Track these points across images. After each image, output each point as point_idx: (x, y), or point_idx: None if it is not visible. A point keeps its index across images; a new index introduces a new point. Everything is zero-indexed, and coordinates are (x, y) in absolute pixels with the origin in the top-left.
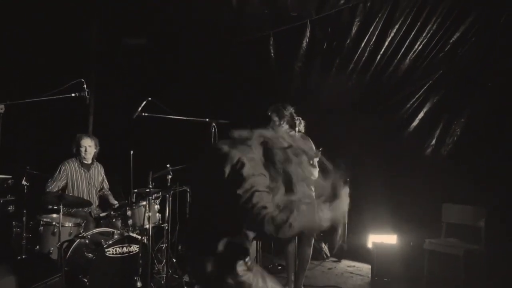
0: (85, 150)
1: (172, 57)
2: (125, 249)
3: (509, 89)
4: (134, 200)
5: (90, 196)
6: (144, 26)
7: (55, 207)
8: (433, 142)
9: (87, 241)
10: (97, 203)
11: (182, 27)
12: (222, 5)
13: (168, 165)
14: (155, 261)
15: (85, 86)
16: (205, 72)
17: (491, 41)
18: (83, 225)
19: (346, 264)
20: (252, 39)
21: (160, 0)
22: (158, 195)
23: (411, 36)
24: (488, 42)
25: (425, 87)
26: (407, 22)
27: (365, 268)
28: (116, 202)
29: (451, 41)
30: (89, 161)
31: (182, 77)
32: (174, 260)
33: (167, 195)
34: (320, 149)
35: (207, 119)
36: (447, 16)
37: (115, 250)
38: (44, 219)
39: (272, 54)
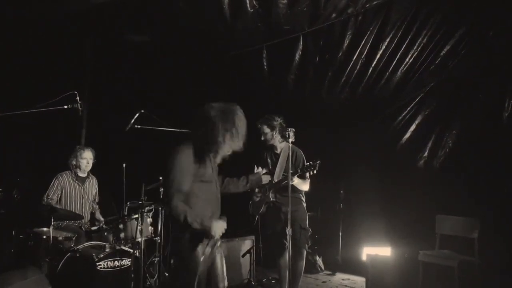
0: (87, 163)
1: (165, 69)
2: (116, 263)
3: (500, 101)
4: (126, 213)
5: (83, 210)
6: (139, 39)
7: (45, 220)
8: (425, 154)
9: (78, 255)
10: (89, 217)
11: (176, 40)
12: (215, 18)
13: (161, 178)
14: (147, 275)
15: (78, 98)
16: (198, 84)
17: (481, 54)
18: (74, 238)
19: (340, 277)
20: (245, 52)
21: (154, 13)
22: (151, 208)
23: (402, 49)
24: (478, 55)
25: (416, 100)
26: (398, 36)
27: (360, 281)
28: (102, 218)
29: (442, 54)
30: (85, 174)
31: (175, 89)
32: (167, 274)
33: (160, 208)
34: (318, 161)
35: None
36: (437, 30)
37: (107, 264)
38: (34, 233)
39: (265, 67)
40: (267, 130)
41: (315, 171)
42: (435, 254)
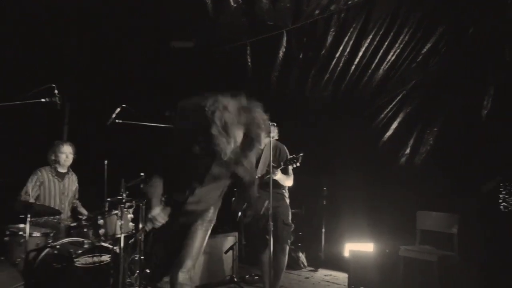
0: (66, 157)
1: (148, 64)
2: (95, 259)
3: (479, 99)
4: (106, 209)
5: (62, 206)
6: (122, 33)
7: (22, 216)
8: (407, 151)
9: (55, 251)
10: (69, 214)
11: (159, 35)
12: (198, 13)
13: (142, 174)
14: (128, 272)
15: (56, 91)
16: (181, 79)
17: (461, 53)
18: (52, 235)
19: (323, 273)
20: (229, 48)
21: (135, 7)
22: (131, 203)
23: (384, 46)
24: (457, 53)
25: (398, 97)
26: (380, 33)
27: (342, 276)
28: (85, 212)
29: (423, 51)
30: (65, 170)
31: (158, 84)
32: (148, 271)
33: (141, 204)
34: (301, 154)
35: None
36: (419, 27)
37: (85, 260)
38: (11, 229)
39: (249, 63)
40: None
41: (298, 164)
42: (415, 250)
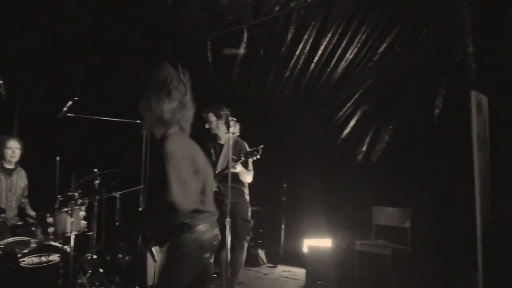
0: (12, 153)
1: (104, 57)
2: (43, 259)
3: (431, 99)
4: (57, 206)
5: (9, 204)
6: (79, 24)
7: None
8: (364, 148)
9: None
10: (15, 212)
11: (115, 28)
12: (157, 6)
13: (95, 170)
14: (81, 272)
15: (0, 81)
16: (139, 73)
17: (414, 53)
18: None
19: (282, 269)
20: (189, 42)
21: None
22: (83, 200)
23: (343, 45)
24: (411, 53)
25: (356, 96)
26: (338, 32)
27: (301, 272)
28: (33, 213)
29: (379, 51)
30: (12, 166)
31: (113, 77)
32: (101, 270)
33: (93, 201)
34: (261, 146)
35: (139, 121)
36: (375, 27)
37: (32, 260)
38: None
39: (210, 58)
40: (212, 118)
41: (258, 156)
42: (371, 244)
